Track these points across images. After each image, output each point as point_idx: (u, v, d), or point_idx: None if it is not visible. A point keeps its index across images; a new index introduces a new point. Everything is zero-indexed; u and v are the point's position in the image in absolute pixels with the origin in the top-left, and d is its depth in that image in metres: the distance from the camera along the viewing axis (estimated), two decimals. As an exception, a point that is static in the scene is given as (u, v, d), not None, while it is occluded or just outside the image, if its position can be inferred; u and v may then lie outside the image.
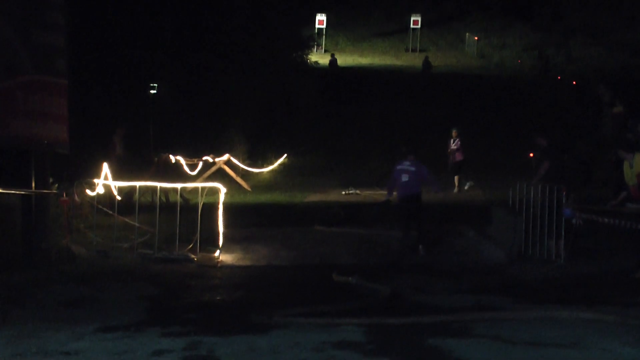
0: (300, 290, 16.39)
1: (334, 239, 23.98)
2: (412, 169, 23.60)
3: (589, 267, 17.94)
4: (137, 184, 24.69)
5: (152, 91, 36.00)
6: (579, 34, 66.81)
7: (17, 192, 20.05)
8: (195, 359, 11.52)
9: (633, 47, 60.07)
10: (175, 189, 25.34)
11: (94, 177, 23.35)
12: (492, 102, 55.82)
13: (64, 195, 21.78)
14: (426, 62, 72.76)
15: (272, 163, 36.11)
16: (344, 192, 36.13)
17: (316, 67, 61.72)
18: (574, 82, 55.67)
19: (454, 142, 36.91)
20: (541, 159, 26.21)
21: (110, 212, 23.56)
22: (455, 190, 36.65)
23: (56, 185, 22.30)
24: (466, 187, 37.15)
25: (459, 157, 36.43)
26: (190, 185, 26.28)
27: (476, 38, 77.75)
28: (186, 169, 31.94)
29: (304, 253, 21.11)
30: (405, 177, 23.69)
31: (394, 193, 24.90)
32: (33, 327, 13.29)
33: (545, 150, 25.90)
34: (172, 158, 31.97)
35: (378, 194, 32.46)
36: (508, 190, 22.14)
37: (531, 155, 31.84)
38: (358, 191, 36.42)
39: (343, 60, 68.31)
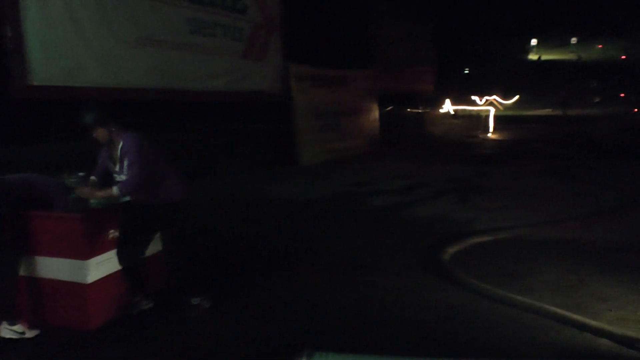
0: (518, 148, 15.72)
1: (532, 128, 22.68)
2: None
3: None
4: (460, 107, 24.25)
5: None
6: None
7: (413, 111, 20.09)
8: (478, 172, 11.43)
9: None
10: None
11: (441, 105, 23.08)
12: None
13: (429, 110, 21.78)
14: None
15: (512, 98, 33.88)
16: (549, 110, 32.57)
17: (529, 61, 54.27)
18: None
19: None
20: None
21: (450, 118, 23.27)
22: None
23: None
24: None
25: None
26: (479, 108, 25.38)
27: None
28: (478, 101, 28.98)
29: (520, 135, 20.19)
30: None
31: None
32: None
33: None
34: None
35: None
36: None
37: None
38: (550, 110, 32.82)
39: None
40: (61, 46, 7.69)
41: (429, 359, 3.19)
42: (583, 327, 3.85)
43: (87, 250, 3.90)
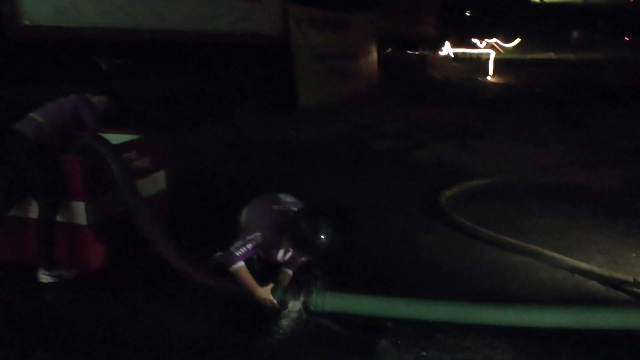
0: (519, 92, 15.58)
1: (534, 72, 22.23)
2: None
3: None
4: (460, 49, 23.79)
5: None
6: None
7: (413, 53, 19.64)
8: (478, 116, 11.24)
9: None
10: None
11: (441, 48, 22.68)
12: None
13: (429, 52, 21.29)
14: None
15: (513, 42, 32.83)
16: (551, 53, 31.72)
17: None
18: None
19: None
20: None
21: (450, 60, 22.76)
22: None
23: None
24: None
25: None
26: (480, 52, 24.87)
27: None
28: (478, 44, 28.11)
29: (522, 79, 19.83)
30: None
31: None
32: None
33: None
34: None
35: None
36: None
37: None
38: (552, 54, 31.88)
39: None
40: (54, -16, 7.53)
41: (420, 300, 3.29)
42: (574, 270, 4.01)
43: (87, 191, 3.91)
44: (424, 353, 3.02)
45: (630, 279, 3.77)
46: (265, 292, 3.27)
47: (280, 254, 3.46)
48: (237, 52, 11.05)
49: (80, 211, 3.91)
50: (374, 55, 15.44)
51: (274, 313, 3.30)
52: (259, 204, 3.55)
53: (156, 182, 4.69)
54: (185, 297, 3.63)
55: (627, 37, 34.40)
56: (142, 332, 3.25)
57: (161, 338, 3.20)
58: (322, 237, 3.11)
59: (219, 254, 3.81)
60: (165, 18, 9.34)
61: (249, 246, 3.21)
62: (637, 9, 40.77)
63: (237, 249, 3.20)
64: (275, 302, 3.27)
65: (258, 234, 3.24)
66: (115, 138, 4.58)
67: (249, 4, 11.35)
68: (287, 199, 3.55)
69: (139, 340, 3.17)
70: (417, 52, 19.75)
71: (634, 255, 4.36)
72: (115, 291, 3.75)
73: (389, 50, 17.17)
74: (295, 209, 3.42)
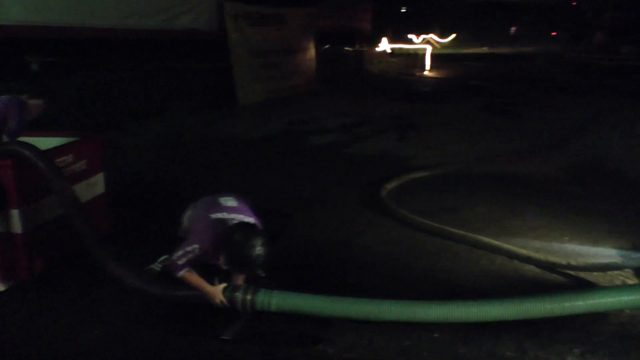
0: (456, 85, 15.93)
1: (469, 66, 22.79)
2: None
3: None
4: (397, 45, 24.08)
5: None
6: None
7: (350, 49, 19.72)
8: (417, 109, 11.47)
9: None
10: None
11: (379, 44, 22.91)
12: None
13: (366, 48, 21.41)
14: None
15: (449, 37, 33.61)
16: (485, 48, 31.82)
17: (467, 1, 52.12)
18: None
19: None
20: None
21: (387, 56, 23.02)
22: None
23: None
24: None
25: None
26: (416, 47, 25.31)
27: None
28: (415, 40, 28.54)
29: (458, 72, 20.28)
30: None
31: None
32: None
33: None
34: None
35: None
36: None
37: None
38: (486, 48, 32.59)
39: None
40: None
41: (366, 300, 3.29)
42: (512, 256, 4.17)
43: (19, 197, 3.73)
44: (373, 342, 3.08)
45: (564, 262, 3.95)
46: (215, 292, 3.25)
47: (221, 263, 3.41)
48: (175, 48, 10.85)
49: (14, 219, 3.72)
50: (312, 51, 15.49)
51: (225, 310, 3.26)
52: (200, 210, 3.44)
53: (94, 187, 4.53)
54: (127, 302, 3.56)
55: (555, 32, 35.91)
56: (85, 341, 3.17)
57: (107, 346, 3.13)
58: (254, 258, 3.00)
59: (163, 257, 3.78)
60: (97, 15, 9.06)
61: (189, 257, 3.18)
62: (562, 6, 42.49)
63: (179, 258, 3.18)
64: (225, 301, 3.25)
65: (197, 246, 3.17)
66: (50, 141, 4.43)
67: (184, 1, 11.16)
68: (228, 203, 3.40)
69: (81, 348, 3.09)
70: (354, 48, 19.87)
71: (566, 238, 4.56)
72: (51, 301, 3.60)
73: (327, 46, 17.25)
74: (232, 217, 3.27)
